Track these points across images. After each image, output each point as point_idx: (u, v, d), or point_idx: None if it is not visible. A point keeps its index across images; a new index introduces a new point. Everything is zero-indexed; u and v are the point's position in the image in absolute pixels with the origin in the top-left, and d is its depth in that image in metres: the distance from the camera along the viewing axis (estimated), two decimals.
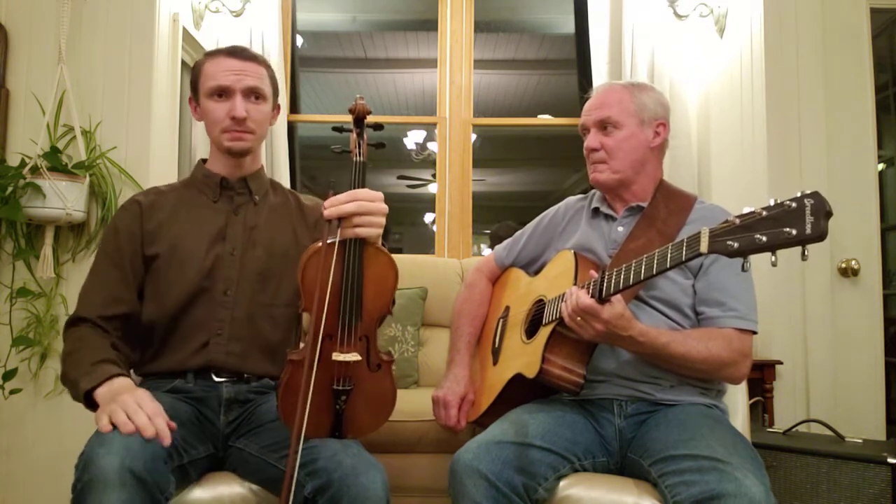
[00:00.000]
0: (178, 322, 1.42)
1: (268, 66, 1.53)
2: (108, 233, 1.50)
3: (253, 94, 1.47)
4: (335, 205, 1.23)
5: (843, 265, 2.42)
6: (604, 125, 1.53)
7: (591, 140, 1.55)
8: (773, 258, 1.00)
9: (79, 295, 1.45)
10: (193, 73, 1.53)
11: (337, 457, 1.20)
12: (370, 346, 1.29)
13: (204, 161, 1.58)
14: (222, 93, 1.46)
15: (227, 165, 1.52)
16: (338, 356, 1.22)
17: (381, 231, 1.27)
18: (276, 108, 1.58)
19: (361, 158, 1.27)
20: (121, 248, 1.44)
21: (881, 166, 2.64)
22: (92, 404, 1.23)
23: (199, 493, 1.29)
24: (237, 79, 1.45)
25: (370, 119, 1.31)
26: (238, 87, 1.45)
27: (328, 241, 1.23)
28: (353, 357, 1.23)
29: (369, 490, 1.17)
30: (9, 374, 2.20)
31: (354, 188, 1.26)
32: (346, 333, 1.24)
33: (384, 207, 1.27)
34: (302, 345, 1.29)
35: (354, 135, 1.29)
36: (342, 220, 1.23)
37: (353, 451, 1.23)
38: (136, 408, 1.14)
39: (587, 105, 1.58)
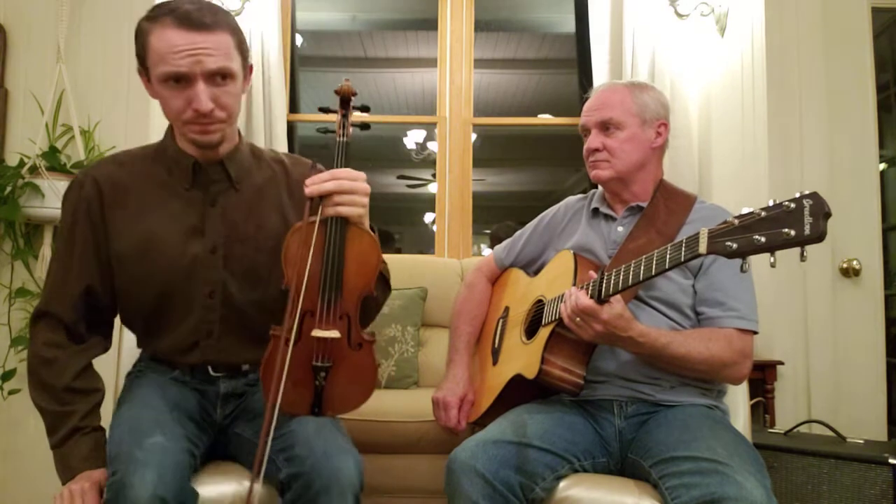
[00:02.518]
0: (158, 323, 1.36)
1: (233, 30, 1.24)
2: (64, 221, 1.34)
3: (218, 74, 1.21)
4: (316, 183, 1.23)
5: (845, 265, 2.42)
6: (605, 126, 1.52)
7: (593, 141, 1.53)
8: (772, 259, 0.99)
9: (45, 282, 1.37)
10: (138, 43, 1.23)
11: (310, 442, 1.20)
12: (351, 324, 1.29)
13: (173, 130, 1.35)
14: (179, 79, 1.20)
15: (198, 148, 1.31)
16: (317, 332, 1.24)
17: (363, 211, 1.26)
18: (249, 69, 1.32)
19: (345, 139, 1.29)
20: (78, 240, 1.31)
21: (882, 166, 2.64)
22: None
23: (201, 489, 1.27)
24: (195, 60, 1.17)
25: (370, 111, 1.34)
26: (199, 71, 1.18)
27: (310, 220, 1.24)
28: (333, 334, 1.24)
29: (341, 472, 1.16)
30: (7, 375, 2.20)
31: (337, 168, 1.27)
32: (326, 310, 1.24)
33: (366, 187, 1.26)
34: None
35: (339, 115, 1.31)
36: (324, 198, 1.24)
37: (326, 434, 1.23)
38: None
39: (587, 105, 1.57)
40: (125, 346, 1.58)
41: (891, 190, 2.78)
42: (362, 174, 1.26)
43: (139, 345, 1.45)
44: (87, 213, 1.31)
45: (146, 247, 1.31)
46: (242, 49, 1.27)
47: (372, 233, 1.31)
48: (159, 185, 1.34)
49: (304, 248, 1.22)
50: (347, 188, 1.23)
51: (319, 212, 1.24)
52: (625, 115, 1.51)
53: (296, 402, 1.26)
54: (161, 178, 1.34)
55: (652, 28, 2.74)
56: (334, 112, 1.34)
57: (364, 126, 1.33)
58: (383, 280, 1.41)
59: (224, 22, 1.22)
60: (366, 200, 1.26)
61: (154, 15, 1.21)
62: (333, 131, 1.30)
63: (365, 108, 1.33)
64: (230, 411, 1.40)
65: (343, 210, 1.23)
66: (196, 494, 1.20)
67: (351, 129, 1.30)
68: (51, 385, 1.29)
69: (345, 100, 1.30)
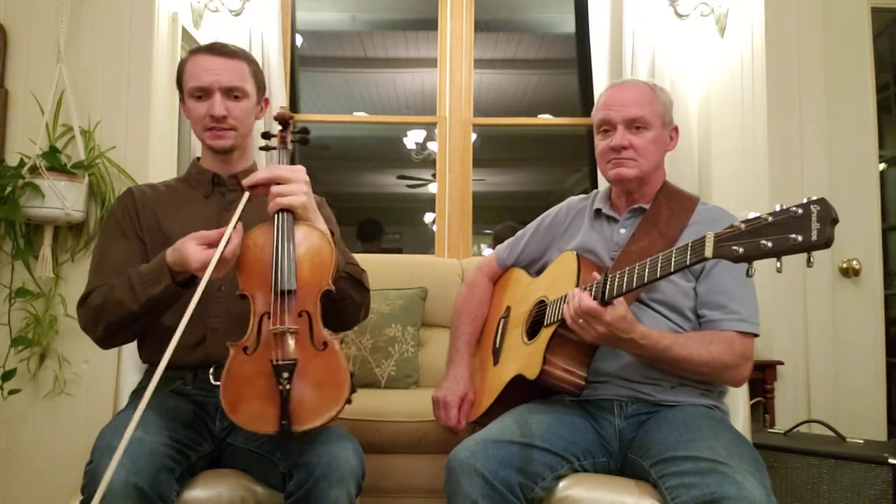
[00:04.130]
0: (172, 319, 1.41)
1: (250, 61, 1.53)
2: (107, 218, 1.54)
3: (232, 92, 1.48)
4: (253, 178, 1.30)
5: (845, 265, 2.41)
6: (635, 124, 1.49)
7: (620, 138, 1.49)
8: (779, 264, 0.99)
9: (89, 272, 1.46)
10: (178, 72, 1.55)
11: (306, 434, 1.23)
12: (312, 321, 1.24)
13: (199, 159, 1.60)
14: (202, 93, 1.48)
15: (217, 162, 1.55)
16: (274, 328, 1.21)
17: (304, 199, 1.29)
18: (265, 101, 1.59)
19: (285, 151, 1.41)
20: (122, 227, 1.49)
21: (882, 166, 2.64)
22: (181, 284, 1.31)
23: (199, 492, 1.29)
24: (215, 79, 1.46)
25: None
26: (216, 87, 1.47)
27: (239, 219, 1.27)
28: (290, 327, 1.21)
29: (340, 459, 1.21)
30: (8, 375, 2.20)
31: None
32: (282, 308, 1.22)
33: (303, 177, 1.31)
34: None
35: (279, 137, 1.43)
36: (264, 195, 1.29)
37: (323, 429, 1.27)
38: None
39: (612, 99, 1.52)
40: (123, 367, 1.61)
41: (891, 190, 2.78)
42: (300, 167, 1.32)
43: (145, 355, 1.50)
44: (125, 214, 1.50)
45: (165, 241, 1.40)
46: (257, 78, 1.54)
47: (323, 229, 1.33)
48: (181, 196, 1.55)
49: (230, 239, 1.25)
50: (282, 178, 1.29)
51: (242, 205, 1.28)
52: (653, 116, 1.50)
53: (261, 417, 1.17)
54: (184, 191, 1.56)
55: (652, 28, 2.74)
56: (274, 136, 1.45)
57: (303, 131, 1.46)
58: (355, 281, 1.42)
59: (243, 54, 1.53)
60: (306, 188, 1.31)
61: (194, 49, 1.53)
62: (275, 147, 1.42)
63: (304, 130, 1.45)
64: (228, 423, 1.41)
65: (283, 201, 1.27)
66: (175, 487, 1.21)
67: (291, 145, 1.43)
68: (112, 303, 1.35)
69: (284, 123, 1.43)
